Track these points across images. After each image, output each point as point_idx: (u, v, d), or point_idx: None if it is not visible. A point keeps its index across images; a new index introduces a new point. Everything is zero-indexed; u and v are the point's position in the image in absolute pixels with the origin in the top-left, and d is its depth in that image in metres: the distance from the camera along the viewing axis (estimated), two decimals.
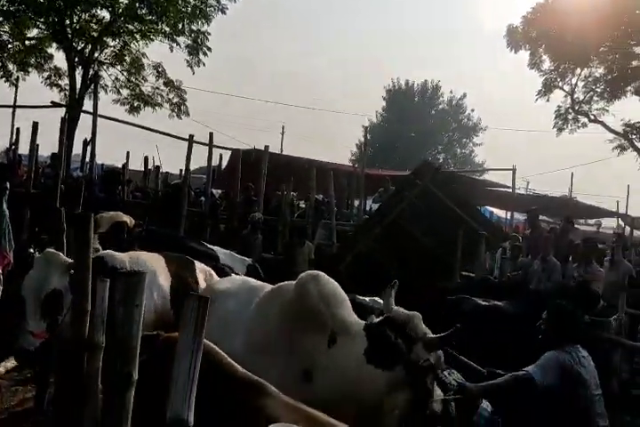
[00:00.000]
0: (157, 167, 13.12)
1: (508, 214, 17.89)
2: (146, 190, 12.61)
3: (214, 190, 13.42)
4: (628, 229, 17.46)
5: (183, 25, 16.38)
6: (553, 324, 3.98)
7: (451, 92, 46.21)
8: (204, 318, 1.72)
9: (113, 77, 17.71)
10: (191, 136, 11.69)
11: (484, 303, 7.41)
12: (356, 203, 14.83)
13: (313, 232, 11.25)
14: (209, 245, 6.89)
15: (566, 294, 7.46)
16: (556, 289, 7.92)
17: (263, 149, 12.61)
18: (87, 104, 15.58)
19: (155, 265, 4.59)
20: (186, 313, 1.70)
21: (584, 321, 5.26)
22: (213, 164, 17.38)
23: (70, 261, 4.06)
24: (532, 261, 9.40)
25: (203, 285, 4.70)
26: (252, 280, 4.41)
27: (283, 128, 35.67)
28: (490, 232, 10.13)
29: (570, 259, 9.92)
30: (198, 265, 4.94)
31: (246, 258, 6.85)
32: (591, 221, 20.54)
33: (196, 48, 16.95)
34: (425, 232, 9.94)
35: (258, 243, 9.45)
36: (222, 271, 5.27)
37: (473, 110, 45.81)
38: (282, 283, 3.97)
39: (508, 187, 17.51)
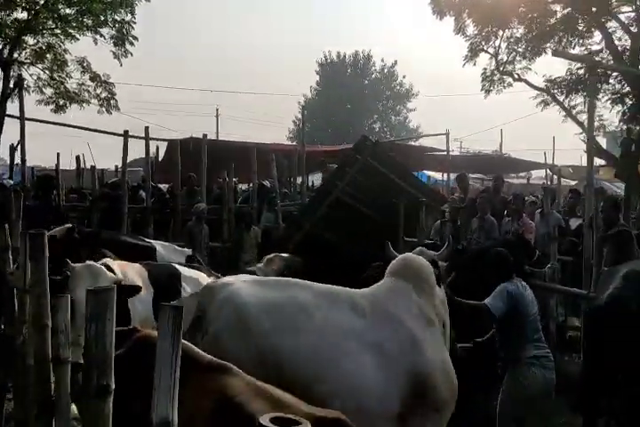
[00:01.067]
0: (93, 167, 12.89)
1: (445, 176, 18.53)
2: (81, 192, 12.43)
3: (161, 185, 13.38)
4: (555, 178, 18.53)
5: (106, 16, 15.89)
6: (495, 266, 5.17)
7: (382, 60, 46.59)
8: (179, 327, 1.89)
9: (35, 77, 17.13)
10: (126, 132, 11.57)
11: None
12: (299, 181, 15.05)
13: (258, 216, 11.44)
14: (147, 239, 7.01)
15: (506, 246, 8.00)
16: (497, 243, 8.41)
17: (202, 136, 12.59)
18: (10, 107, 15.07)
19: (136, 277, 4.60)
20: (162, 323, 1.88)
21: (522, 260, 6.23)
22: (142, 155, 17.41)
23: (112, 275, 4.26)
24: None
25: (187, 292, 4.64)
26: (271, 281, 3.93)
27: (217, 111, 35.25)
28: (429, 199, 10.55)
29: (505, 214, 10.52)
30: (185, 273, 5.07)
31: (185, 249, 7.01)
32: (522, 175, 21.44)
33: (122, 38, 16.51)
34: (369, 206, 10.26)
35: (204, 233, 9.59)
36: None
37: (405, 77, 46.41)
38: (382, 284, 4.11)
39: (443, 150, 18.07)
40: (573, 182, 20.08)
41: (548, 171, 20.64)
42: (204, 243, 9.50)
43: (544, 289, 7.85)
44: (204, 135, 12.70)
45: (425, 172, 18.58)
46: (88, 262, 4.48)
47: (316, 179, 15.18)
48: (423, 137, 24.26)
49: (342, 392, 3.20)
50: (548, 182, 19.09)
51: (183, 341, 2.73)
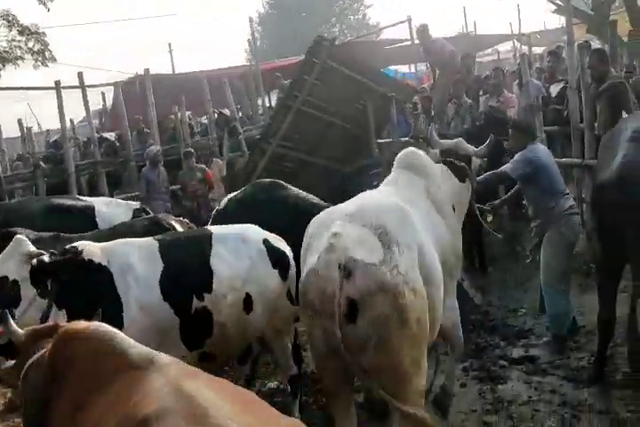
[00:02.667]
0: (29, 129, 11.82)
1: (412, 68, 17.39)
2: (26, 157, 11.47)
3: (109, 134, 12.35)
4: (525, 48, 17.37)
5: None
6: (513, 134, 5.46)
7: None
8: None
9: None
10: (57, 83, 10.44)
11: None
12: (260, 102, 14.01)
13: (220, 148, 10.58)
14: (85, 198, 6.28)
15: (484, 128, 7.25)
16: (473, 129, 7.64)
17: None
18: None
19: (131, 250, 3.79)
20: None
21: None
22: (99, 105, 16.21)
23: (35, 250, 3.67)
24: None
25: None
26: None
27: (170, 46, 33.12)
28: (397, 92, 9.66)
29: (480, 93, 9.63)
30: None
31: (132, 202, 6.27)
32: (489, 51, 20.23)
33: None
34: (335, 113, 9.39)
35: (162, 177, 8.77)
36: None
37: None
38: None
39: (407, 40, 16.79)
40: (541, 49, 18.99)
41: (515, 42, 19.50)
42: (163, 188, 8.71)
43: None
44: (146, 70, 11.52)
45: (390, 67, 17.39)
46: (18, 236, 3.85)
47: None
48: (383, 29, 22.68)
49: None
50: (517, 54, 18.02)
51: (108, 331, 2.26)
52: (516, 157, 5.15)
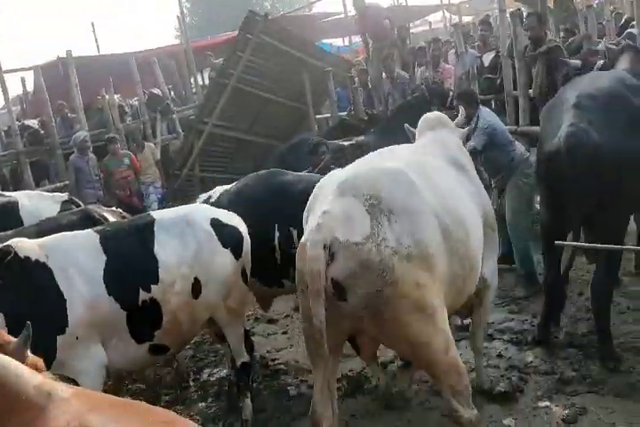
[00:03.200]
0: None
1: (346, 41, 17.23)
2: None
3: (31, 121, 11.65)
4: (455, 17, 17.51)
5: None
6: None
7: None
8: None
9: None
10: None
11: (345, 143, 7.07)
12: (192, 81, 13.52)
13: (153, 130, 10.16)
14: (7, 193, 5.87)
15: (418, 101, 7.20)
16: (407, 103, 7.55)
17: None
18: None
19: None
20: None
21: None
22: (19, 92, 15.30)
23: None
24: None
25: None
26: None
27: (92, 25, 31.65)
28: (334, 66, 9.49)
29: (415, 64, 9.57)
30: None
31: (60, 194, 5.89)
32: (418, 22, 20.27)
33: None
34: (272, 89, 9.15)
35: (91, 164, 8.32)
36: None
37: None
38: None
39: (339, 13, 16.57)
40: (470, 18, 19.19)
41: (445, 12, 19.62)
42: (93, 176, 8.27)
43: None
44: (68, 52, 10.86)
45: (325, 41, 17.15)
46: None
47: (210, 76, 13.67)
48: (316, 2, 22.29)
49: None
50: (448, 24, 18.11)
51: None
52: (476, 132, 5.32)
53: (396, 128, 6.92)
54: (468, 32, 12.05)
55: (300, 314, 3.06)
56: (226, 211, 4.10)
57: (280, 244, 4.55)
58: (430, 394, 4.04)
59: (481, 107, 5.69)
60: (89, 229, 3.70)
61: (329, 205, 2.90)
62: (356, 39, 16.48)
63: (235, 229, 3.95)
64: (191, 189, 8.82)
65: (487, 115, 5.59)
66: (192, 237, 3.72)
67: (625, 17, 11.25)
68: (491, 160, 5.60)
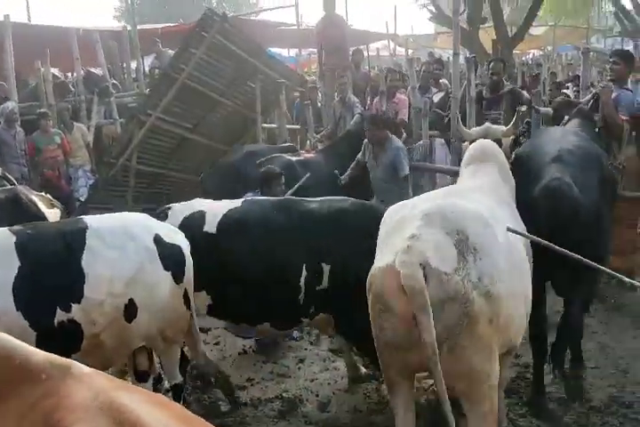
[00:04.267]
0: None
1: (292, 52, 17.39)
2: None
3: None
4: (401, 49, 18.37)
5: None
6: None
7: None
8: None
9: None
10: None
11: (294, 158, 7.04)
12: (133, 66, 13.01)
13: (88, 111, 9.65)
14: None
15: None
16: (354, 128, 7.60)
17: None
18: None
19: None
20: None
21: None
22: None
23: None
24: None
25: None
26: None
27: None
28: (287, 78, 9.47)
29: (367, 90, 9.74)
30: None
31: None
32: (362, 47, 20.89)
33: None
34: (222, 91, 8.96)
35: (19, 139, 7.78)
36: None
37: None
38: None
39: (293, 24, 16.65)
40: (410, 51, 20.06)
41: (390, 42, 20.23)
42: (19, 151, 7.72)
43: (421, 170, 7.37)
44: (6, 16, 10.10)
45: (272, 49, 17.17)
46: None
47: (152, 64, 13.20)
48: (269, 11, 22.23)
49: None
50: (391, 52, 19.11)
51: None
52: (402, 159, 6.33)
53: (343, 152, 7.08)
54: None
55: (376, 335, 3.02)
56: (168, 224, 3.69)
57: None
58: None
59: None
60: (4, 228, 3.21)
61: (417, 230, 2.91)
62: (304, 52, 16.61)
63: (178, 251, 3.48)
64: (125, 179, 8.46)
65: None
66: (134, 253, 3.27)
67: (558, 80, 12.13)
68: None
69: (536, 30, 19.53)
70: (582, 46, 10.74)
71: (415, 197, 3.62)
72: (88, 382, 1.68)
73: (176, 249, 3.47)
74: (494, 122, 5.51)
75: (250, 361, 5.00)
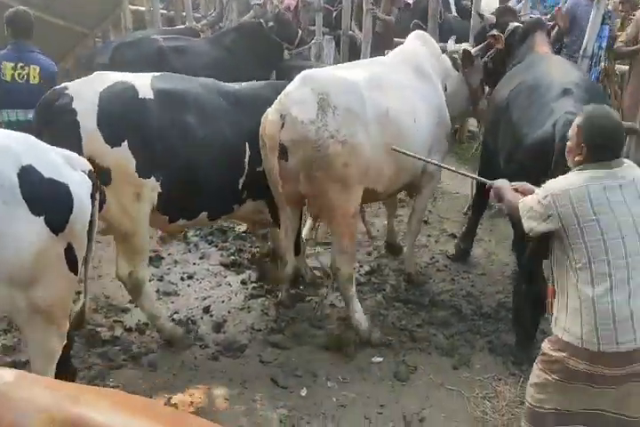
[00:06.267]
0: None
1: None
2: None
3: None
4: None
5: None
6: None
7: None
8: None
9: None
10: None
11: (170, 44, 6.16)
12: None
13: None
14: None
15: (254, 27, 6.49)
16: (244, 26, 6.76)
17: None
18: None
19: None
20: None
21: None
22: None
23: None
24: None
25: None
26: None
27: None
28: None
29: None
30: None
31: None
32: None
33: None
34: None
35: None
36: None
37: None
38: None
39: None
40: None
41: None
42: None
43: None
44: None
45: None
46: None
47: None
48: None
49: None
50: None
51: None
52: None
53: (232, 46, 6.28)
54: None
55: (265, 170, 3.73)
56: (60, 151, 2.72)
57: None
58: None
59: None
60: None
61: (290, 88, 3.71)
62: None
63: (60, 188, 2.59)
64: None
65: None
66: None
67: None
68: None
69: None
70: None
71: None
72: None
73: (57, 187, 2.58)
74: None
75: None
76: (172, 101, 3.52)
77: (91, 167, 2.83)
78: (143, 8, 8.61)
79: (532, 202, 2.59)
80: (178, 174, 3.48)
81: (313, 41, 7.13)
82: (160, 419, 1.27)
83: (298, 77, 3.75)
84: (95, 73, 3.54)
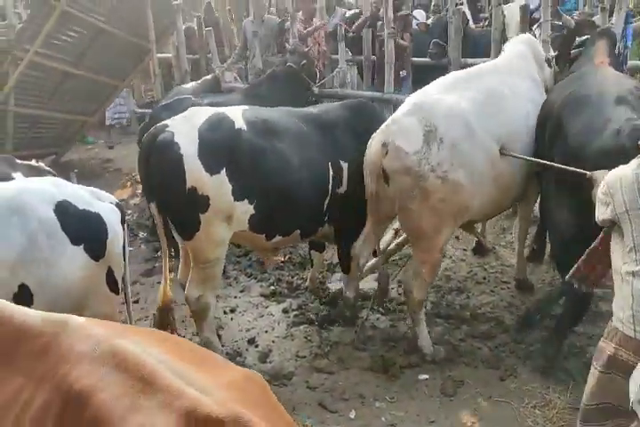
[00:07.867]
0: None
1: None
2: None
3: None
4: None
5: None
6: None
7: None
8: None
9: None
10: None
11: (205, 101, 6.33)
12: None
13: None
14: None
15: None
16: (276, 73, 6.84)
17: None
18: None
19: None
20: None
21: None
22: None
23: None
24: None
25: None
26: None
27: None
28: None
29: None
30: None
31: None
32: None
33: None
34: (107, 17, 7.80)
35: None
36: None
37: None
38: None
39: None
40: None
41: None
42: None
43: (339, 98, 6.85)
44: None
45: None
46: None
47: None
48: None
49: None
50: None
51: None
52: None
53: (266, 95, 6.32)
54: None
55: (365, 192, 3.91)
56: (89, 189, 3.06)
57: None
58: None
59: None
60: None
61: (398, 116, 3.73)
62: None
63: (94, 218, 2.89)
64: (1, 123, 7.54)
65: None
66: (18, 228, 2.71)
67: None
68: None
69: None
70: None
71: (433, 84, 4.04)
72: (86, 334, 1.67)
73: (91, 217, 2.87)
74: None
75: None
76: (262, 130, 3.79)
77: (116, 200, 3.15)
78: (170, 54, 8.97)
79: (599, 191, 2.67)
80: (272, 196, 3.72)
81: (337, 69, 7.28)
82: (185, 355, 1.62)
83: (407, 104, 3.78)
84: (190, 109, 3.84)
